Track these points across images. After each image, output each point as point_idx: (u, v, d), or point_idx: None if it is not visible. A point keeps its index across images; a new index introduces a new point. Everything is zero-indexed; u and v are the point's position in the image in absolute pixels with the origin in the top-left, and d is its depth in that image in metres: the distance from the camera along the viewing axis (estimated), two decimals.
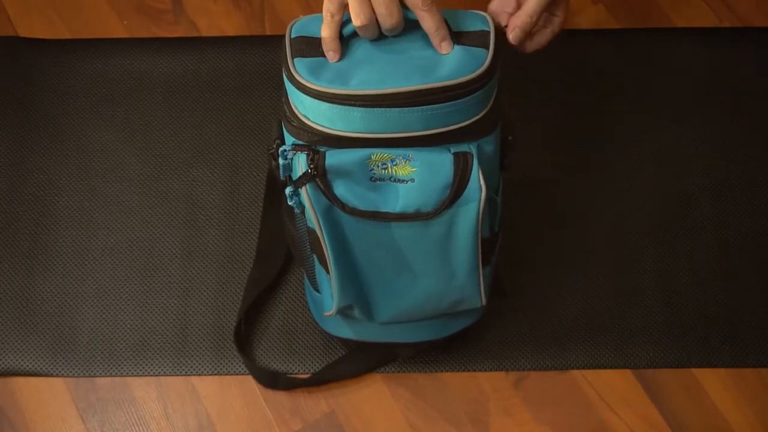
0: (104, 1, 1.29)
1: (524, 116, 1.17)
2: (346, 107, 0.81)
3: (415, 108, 0.81)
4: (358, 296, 0.93)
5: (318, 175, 0.84)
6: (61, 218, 1.15)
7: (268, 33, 1.27)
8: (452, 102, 0.82)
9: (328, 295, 0.95)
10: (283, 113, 0.88)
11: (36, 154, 1.18)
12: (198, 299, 1.11)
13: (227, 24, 1.27)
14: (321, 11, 0.83)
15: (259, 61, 1.23)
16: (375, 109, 0.81)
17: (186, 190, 1.17)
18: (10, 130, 1.20)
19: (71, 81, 1.22)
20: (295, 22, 0.86)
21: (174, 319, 1.10)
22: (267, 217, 1.12)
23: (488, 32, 0.84)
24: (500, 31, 0.87)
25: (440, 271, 0.91)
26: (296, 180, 0.86)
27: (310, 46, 0.84)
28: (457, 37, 0.84)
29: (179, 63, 1.24)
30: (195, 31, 1.27)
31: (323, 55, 0.83)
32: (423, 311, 0.96)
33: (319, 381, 1.06)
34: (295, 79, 0.82)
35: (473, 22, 0.85)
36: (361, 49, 0.84)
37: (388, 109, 0.81)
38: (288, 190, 0.87)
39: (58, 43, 1.25)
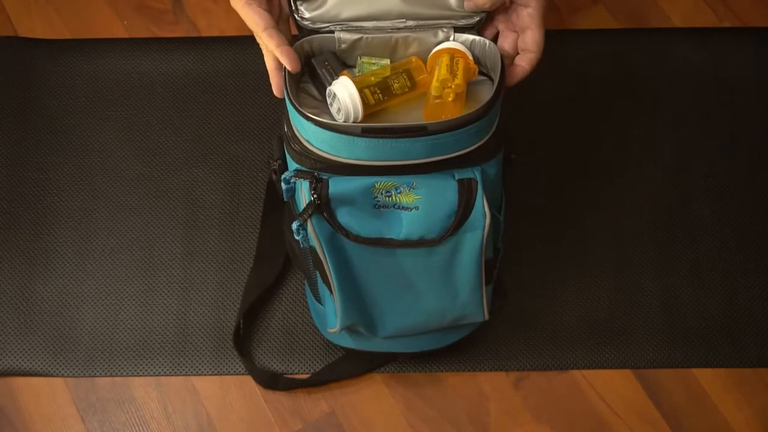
0: (104, 1, 1.28)
1: (523, 116, 1.17)
2: (349, 137, 0.81)
3: (419, 138, 0.81)
4: (362, 315, 0.93)
5: (322, 204, 0.84)
6: (61, 218, 1.15)
7: None
8: (456, 131, 0.81)
9: (331, 310, 0.95)
10: (283, 133, 0.88)
11: (36, 154, 1.18)
12: (198, 299, 1.11)
13: (227, 24, 1.27)
14: None
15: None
16: (379, 139, 0.80)
17: (186, 190, 1.16)
18: (10, 130, 1.20)
19: (71, 81, 1.22)
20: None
21: (174, 319, 1.10)
22: (266, 220, 1.12)
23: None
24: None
25: (444, 291, 0.91)
26: (301, 212, 0.85)
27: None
28: None
29: (179, 63, 1.24)
30: (195, 31, 1.27)
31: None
32: (426, 327, 0.96)
33: (319, 381, 1.06)
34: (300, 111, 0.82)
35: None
36: None
37: (392, 139, 0.80)
38: (295, 225, 0.86)
39: (58, 43, 1.25)
